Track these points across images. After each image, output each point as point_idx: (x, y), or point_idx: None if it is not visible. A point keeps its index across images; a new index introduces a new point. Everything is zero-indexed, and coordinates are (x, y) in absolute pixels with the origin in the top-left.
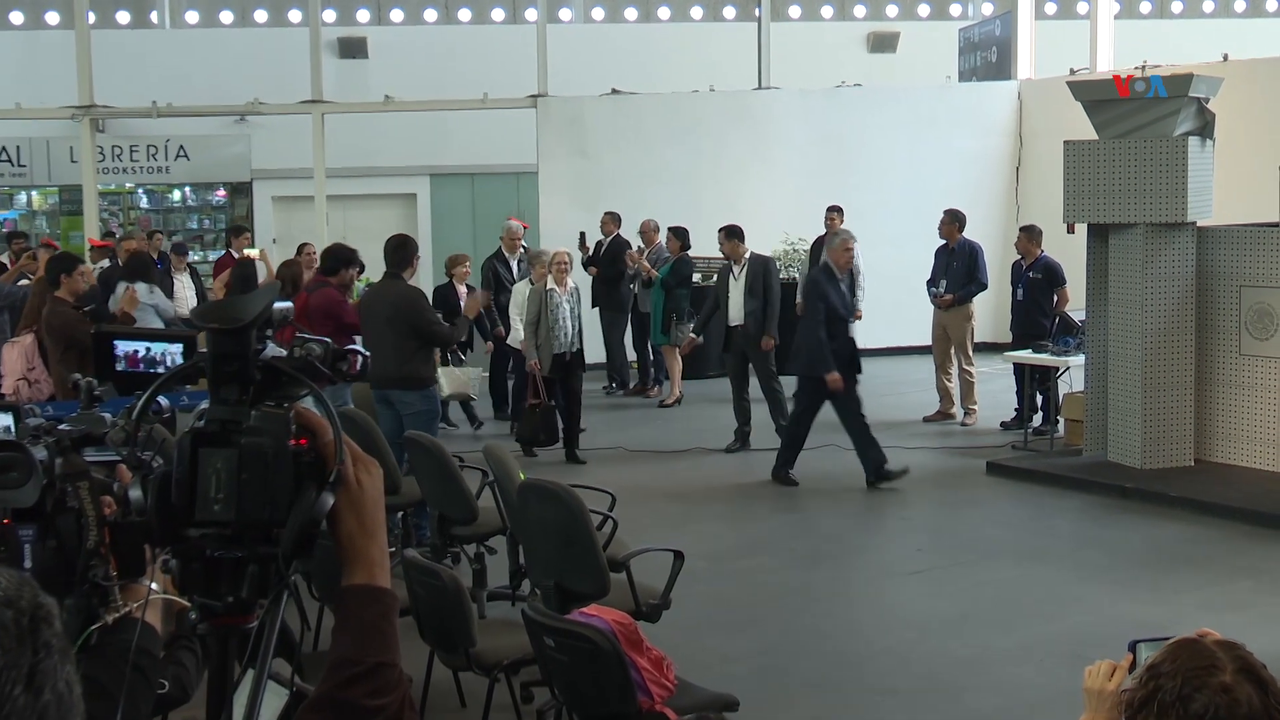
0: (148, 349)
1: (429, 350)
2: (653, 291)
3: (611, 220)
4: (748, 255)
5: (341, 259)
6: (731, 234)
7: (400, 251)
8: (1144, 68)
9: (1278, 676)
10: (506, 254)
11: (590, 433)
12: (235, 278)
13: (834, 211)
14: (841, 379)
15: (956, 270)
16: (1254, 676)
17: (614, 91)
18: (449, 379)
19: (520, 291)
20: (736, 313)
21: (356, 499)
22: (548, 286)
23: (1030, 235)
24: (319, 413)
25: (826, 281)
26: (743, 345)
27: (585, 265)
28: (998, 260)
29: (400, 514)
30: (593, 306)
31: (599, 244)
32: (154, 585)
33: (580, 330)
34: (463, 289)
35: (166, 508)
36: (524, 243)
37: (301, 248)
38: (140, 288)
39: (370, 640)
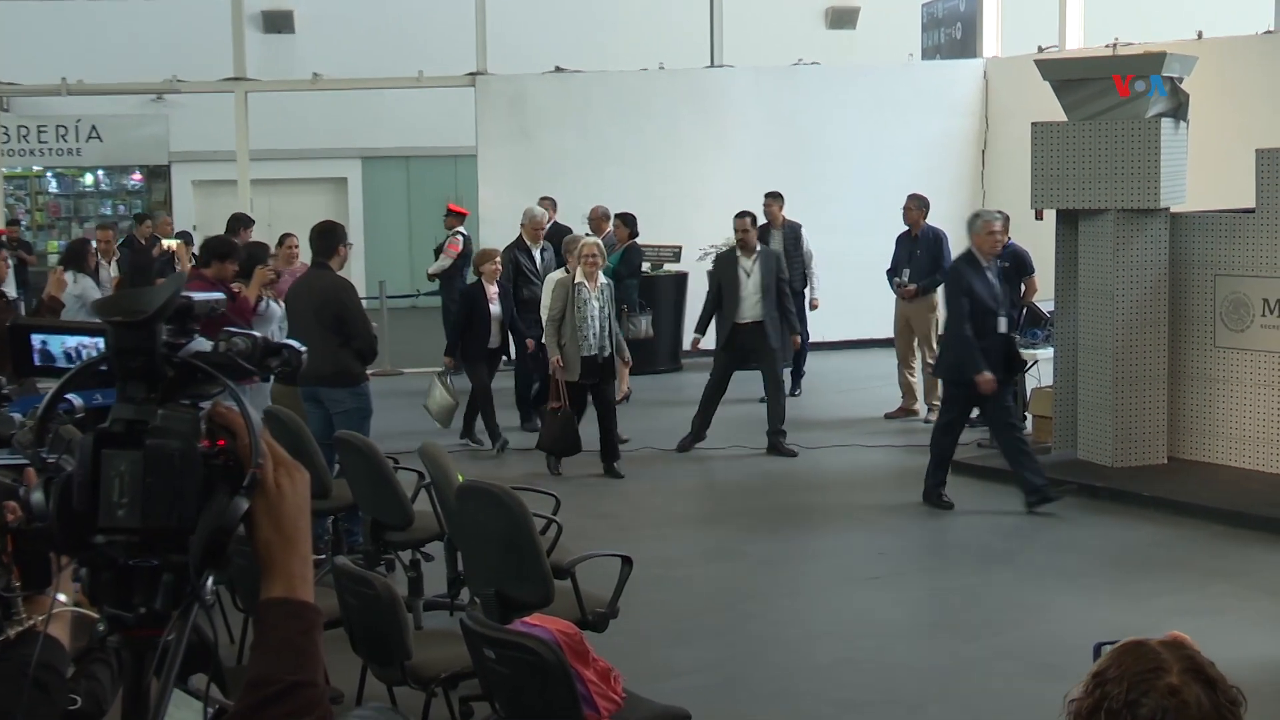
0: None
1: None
2: None
3: (548, 206)
4: (759, 248)
5: (215, 252)
6: (743, 218)
7: (326, 239)
8: (1115, 45)
9: (1263, 682)
10: (529, 243)
11: (526, 433)
12: (131, 268)
13: (773, 199)
14: (994, 381)
15: (920, 259)
16: (1202, 676)
17: (558, 69)
18: (436, 398)
19: (550, 281)
20: (751, 310)
21: (275, 505)
22: (575, 280)
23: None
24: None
25: (970, 272)
26: (750, 348)
27: None
28: (961, 248)
29: (330, 519)
30: None
31: None
32: (61, 597)
33: (612, 331)
34: (493, 289)
35: (69, 513)
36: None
37: (284, 239)
38: (67, 276)
39: (287, 658)
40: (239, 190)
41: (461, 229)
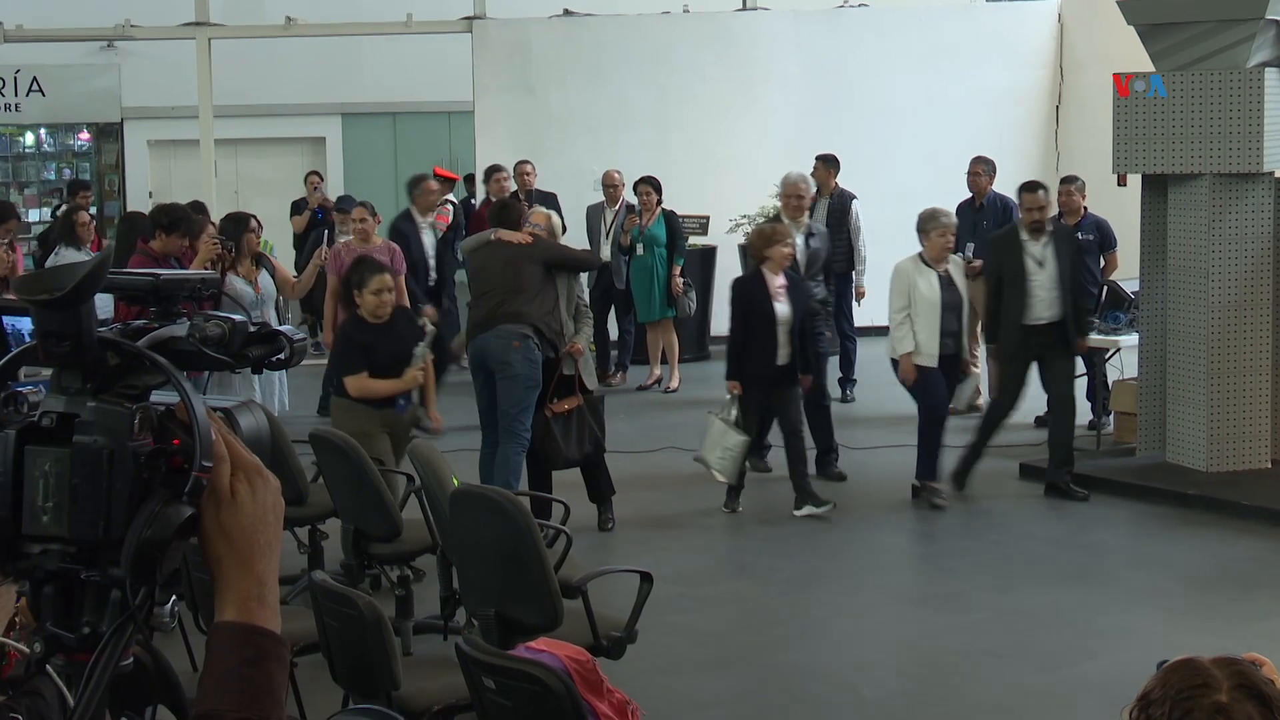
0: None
1: None
2: (633, 260)
3: (528, 170)
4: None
5: (160, 223)
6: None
7: (508, 212)
8: None
9: None
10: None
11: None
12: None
13: (823, 163)
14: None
15: (987, 231)
16: (1255, 693)
17: (566, 13)
18: (723, 441)
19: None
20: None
21: (229, 515)
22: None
23: (1074, 188)
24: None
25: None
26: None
27: None
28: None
29: (308, 528)
30: None
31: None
32: None
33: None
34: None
35: None
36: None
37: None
38: (66, 251)
39: (232, 691)
40: (201, 152)
41: (452, 197)
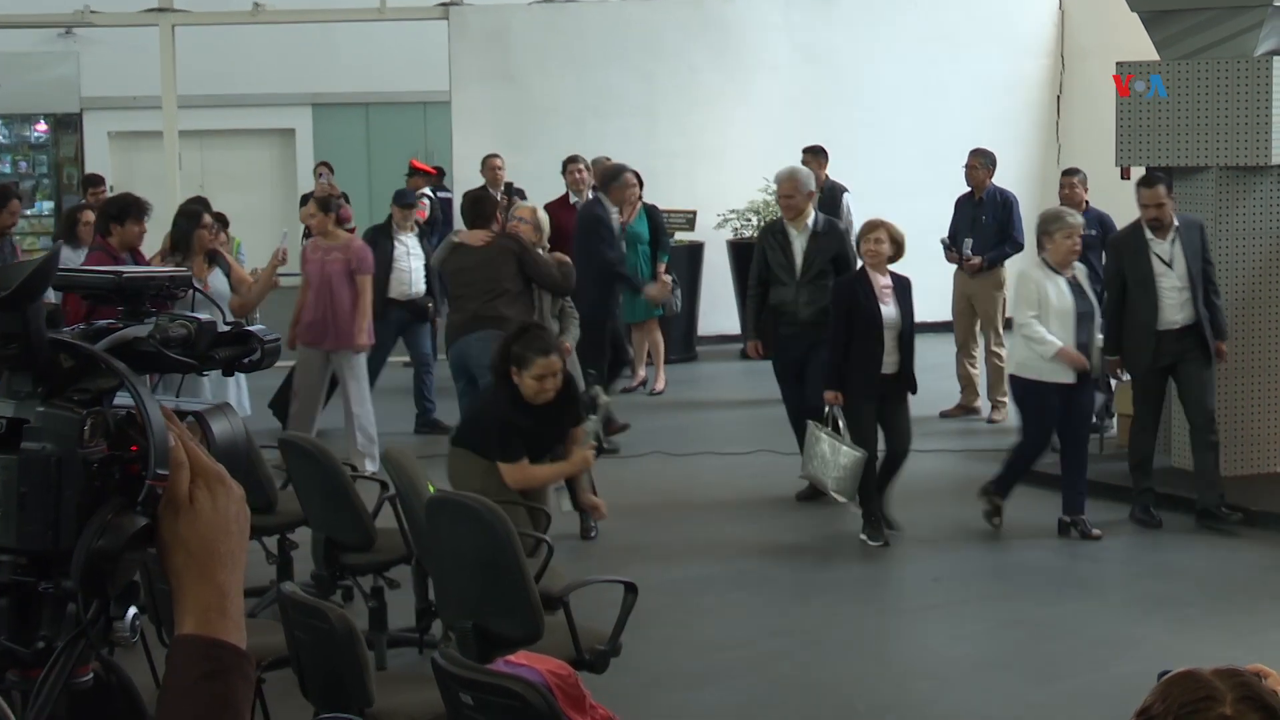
0: None
1: None
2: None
3: (496, 164)
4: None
5: (110, 215)
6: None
7: (480, 207)
8: None
9: None
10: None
11: None
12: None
13: (812, 155)
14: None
15: (986, 225)
16: (1260, 704)
17: None
18: (831, 458)
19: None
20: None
21: (188, 525)
22: None
23: (1076, 181)
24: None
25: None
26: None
27: None
28: (1032, 213)
29: (277, 537)
30: None
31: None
32: None
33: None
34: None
35: None
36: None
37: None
38: (65, 250)
39: (189, 706)
40: (165, 144)
41: (429, 191)
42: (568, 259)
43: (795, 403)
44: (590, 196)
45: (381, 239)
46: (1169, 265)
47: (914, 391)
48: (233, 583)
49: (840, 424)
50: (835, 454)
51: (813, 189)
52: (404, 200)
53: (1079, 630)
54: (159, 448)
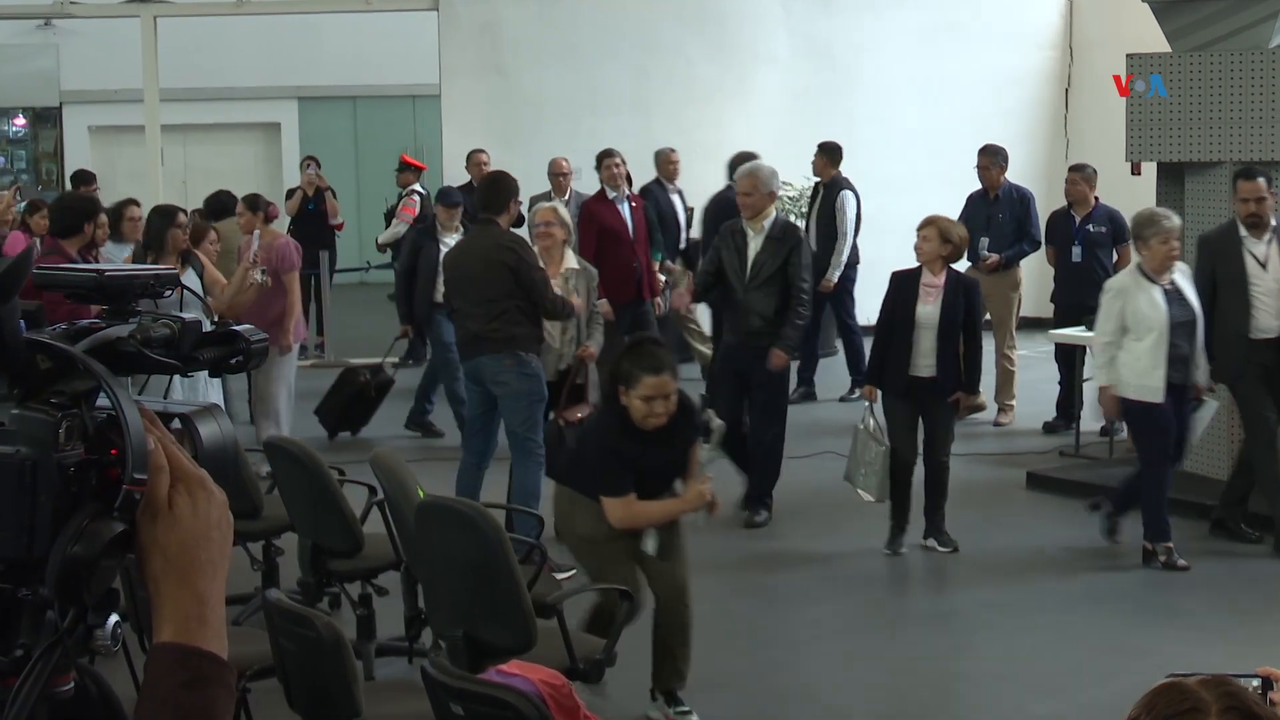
0: None
1: None
2: None
3: (482, 161)
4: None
5: (78, 211)
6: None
7: (494, 191)
8: None
9: None
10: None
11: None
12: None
13: (823, 153)
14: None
15: (1004, 224)
16: (1247, 714)
17: None
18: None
19: None
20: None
21: (167, 530)
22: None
23: (1085, 177)
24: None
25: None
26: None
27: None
28: (1039, 211)
29: (262, 543)
30: None
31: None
32: None
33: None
34: None
35: None
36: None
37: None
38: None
39: (166, 716)
40: (146, 139)
41: (419, 187)
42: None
43: (734, 417)
44: (628, 191)
45: (426, 241)
46: (1264, 267)
47: (967, 390)
48: (213, 590)
49: (872, 420)
50: (865, 449)
51: (774, 188)
52: (449, 199)
53: (1086, 640)
54: (137, 451)
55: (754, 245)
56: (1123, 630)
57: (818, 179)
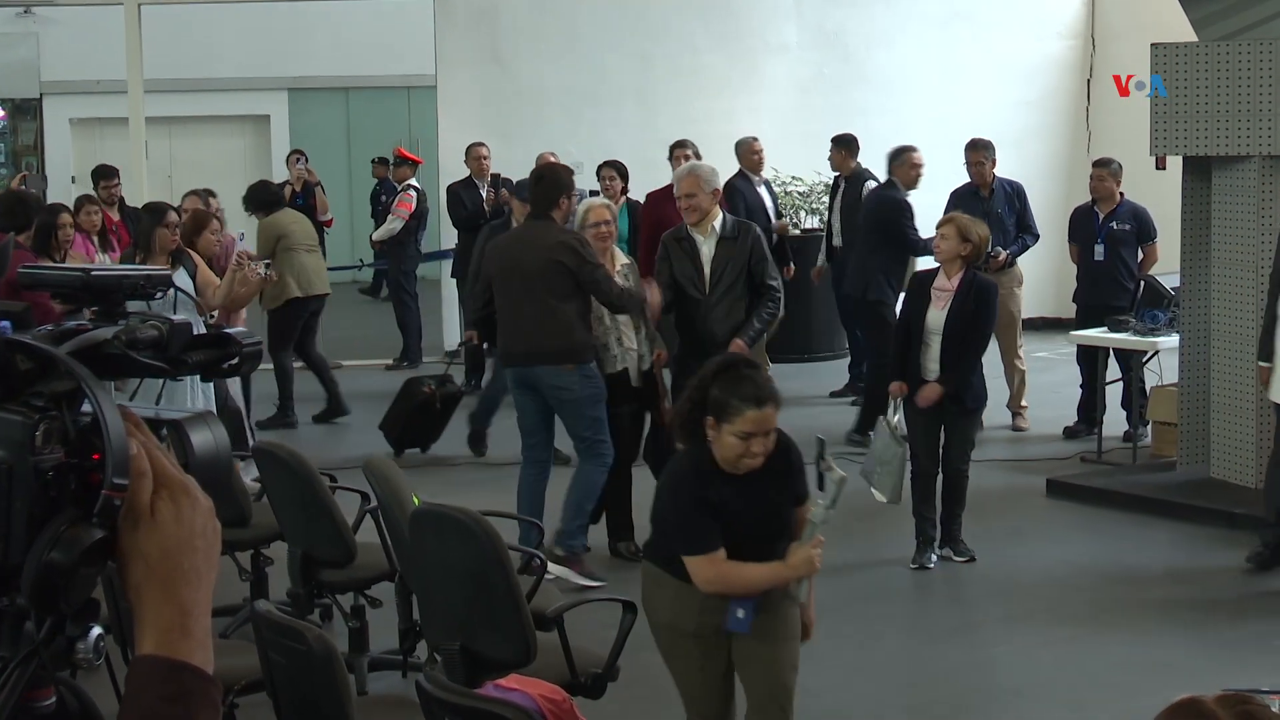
0: None
1: None
2: None
3: (483, 153)
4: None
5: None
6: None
7: (545, 186)
8: None
9: None
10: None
11: (498, 441)
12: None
13: (838, 145)
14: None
15: (1004, 219)
16: None
17: None
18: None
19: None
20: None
21: (148, 538)
22: None
23: (1111, 172)
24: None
25: None
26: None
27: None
28: (1060, 207)
29: (251, 553)
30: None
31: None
32: None
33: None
34: None
35: None
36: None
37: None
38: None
39: None
40: (130, 131)
41: (414, 182)
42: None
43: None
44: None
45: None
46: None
47: (964, 403)
48: (197, 600)
49: (896, 416)
50: (885, 448)
51: (718, 186)
52: (525, 193)
53: (1108, 654)
54: (117, 455)
55: (706, 250)
56: (1145, 645)
57: (837, 173)
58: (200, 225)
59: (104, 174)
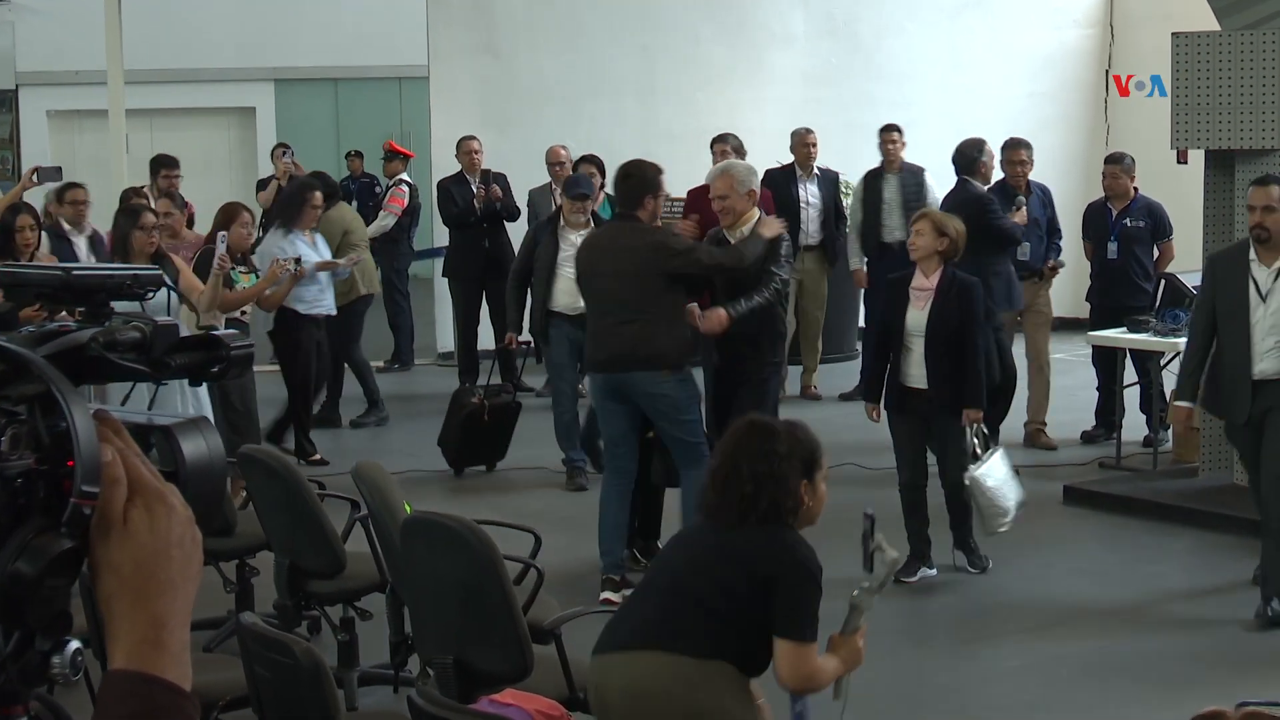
0: None
1: None
2: None
3: (475, 147)
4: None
5: None
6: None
7: (631, 183)
8: None
9: None
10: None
11: (512, 446)
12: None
13: (888, 133)
14: None
15: (1040, 222)
16: None
17: None
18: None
19: None
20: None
21: (120, 547)
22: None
23: (1124, 168)
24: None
25: None
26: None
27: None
28: (1076, 203)
29: (236, 563)
30: (444, 275)
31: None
32: None
33: None
34: None
35: None
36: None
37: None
38: None
39: None
40: (110, 124)
41: (406, 176)
42: None
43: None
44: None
45: (546, 238)
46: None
47: (967, 408)
48: (172, 612)
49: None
50: (988, 501)
51: (754, 186)
52: (575, 190)
53: (1128, 668)
54: (87, 462)
55: None
56: (1165, 659)
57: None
58: (230, 217)
59: (165, 163)
